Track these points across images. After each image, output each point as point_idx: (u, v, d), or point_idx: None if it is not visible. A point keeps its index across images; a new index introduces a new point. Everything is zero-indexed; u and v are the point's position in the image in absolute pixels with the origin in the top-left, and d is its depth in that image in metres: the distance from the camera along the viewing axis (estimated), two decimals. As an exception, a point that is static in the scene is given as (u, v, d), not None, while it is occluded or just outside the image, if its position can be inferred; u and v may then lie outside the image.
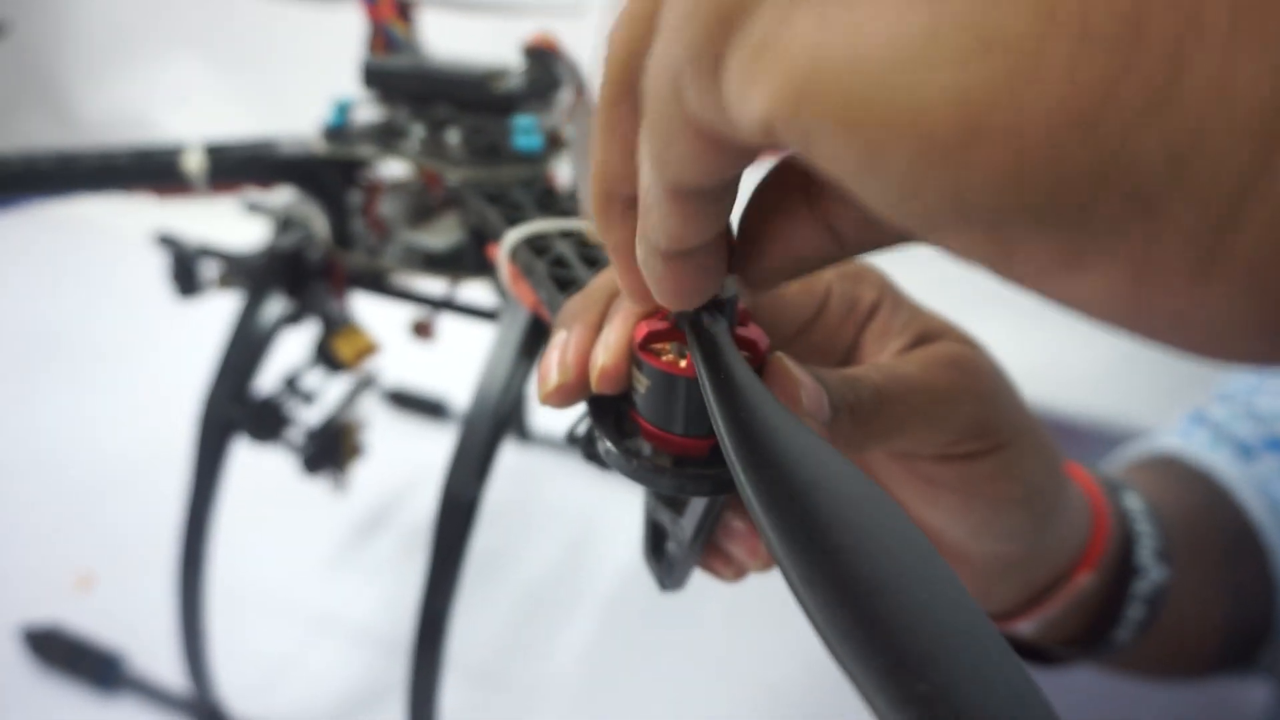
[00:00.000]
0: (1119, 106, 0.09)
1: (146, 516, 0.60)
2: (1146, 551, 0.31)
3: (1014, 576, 0.27)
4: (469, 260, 0.44)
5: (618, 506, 0.71)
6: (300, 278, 0.46)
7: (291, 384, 0.48)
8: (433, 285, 0.46)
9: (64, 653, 0.54)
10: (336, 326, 0.47)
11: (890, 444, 0.21)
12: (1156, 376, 0.91)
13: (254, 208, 0.47)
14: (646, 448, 0.20)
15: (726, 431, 0.16)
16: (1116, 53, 0.09)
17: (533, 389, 0.22)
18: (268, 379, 0.47)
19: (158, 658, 0.54)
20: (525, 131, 0.41)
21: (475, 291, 0.48)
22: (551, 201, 0.38)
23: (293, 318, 0.46)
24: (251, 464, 0.52)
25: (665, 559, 0.26)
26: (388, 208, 0.46)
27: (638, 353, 0.19)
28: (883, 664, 0.11)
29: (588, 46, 0.27)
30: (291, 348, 0.49)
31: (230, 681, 0.52)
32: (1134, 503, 0.32)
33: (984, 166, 0.10)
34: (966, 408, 0.22)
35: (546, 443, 0.78)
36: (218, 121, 1.20)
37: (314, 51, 0.96)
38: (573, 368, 0.20)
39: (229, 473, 0.47)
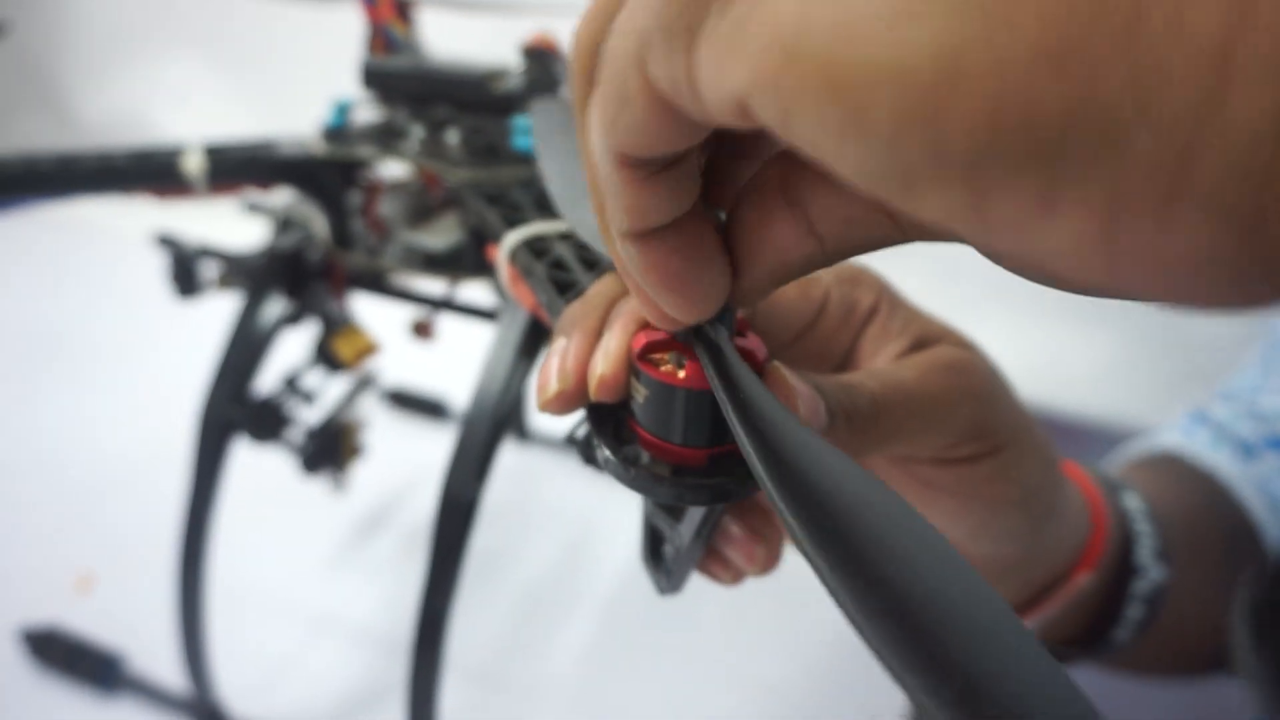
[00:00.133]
0: (1086, 47, 0.09)
1: (146, 517, 0.60)
2: (1146, 551, 0.31)
3: (1013, 577, 0.27)
4: (468, 260, 0.44)
5: (617, 507, 0.71)
6: (300, 278, 0.46)
7: (291, 384, 0.48)
8: (432, 285, 0.46)
9: (63, 653, 0.54)
10: (336, 327, 0.47)
11: (888, 449, 0.21)
12: (1155, 375, 0.91)
13: (253, 208, 0.47)
14: (645, 456, 0.20)
15: (749, 441, 0.15)
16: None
17: (532, 391, 0.22)
18: (267, 379, 0.47)
19: (157, 658, 0.54)
20: (525, 132, 0.41)
21: (475, 292, 0.48)
22: (550, 202, 0.38)
23: (292, 318, 0.46)
24: (251, 464, 0.52)
25: (663, 563, 0.26)
26: (387, 208, 0.46)
27: (636, 363, 0.19)
28: (925, 660, 0.11)
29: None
30: (291, 348, 0.49)
31: (230, 681, 0.52)
32: (1133, 502, 0.32)
33: (964, 111, 0.10)
34: (963, 412, 0.22)
35: (546, 443, 0.78)
36: (217, 122, 1.20)
37: (313, 52, 0.96)
38: (572, 375, 0.20)
39: (229, 473, 0.47)
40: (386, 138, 0.43)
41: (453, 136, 0.42)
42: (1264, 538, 0.38)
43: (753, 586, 0.26)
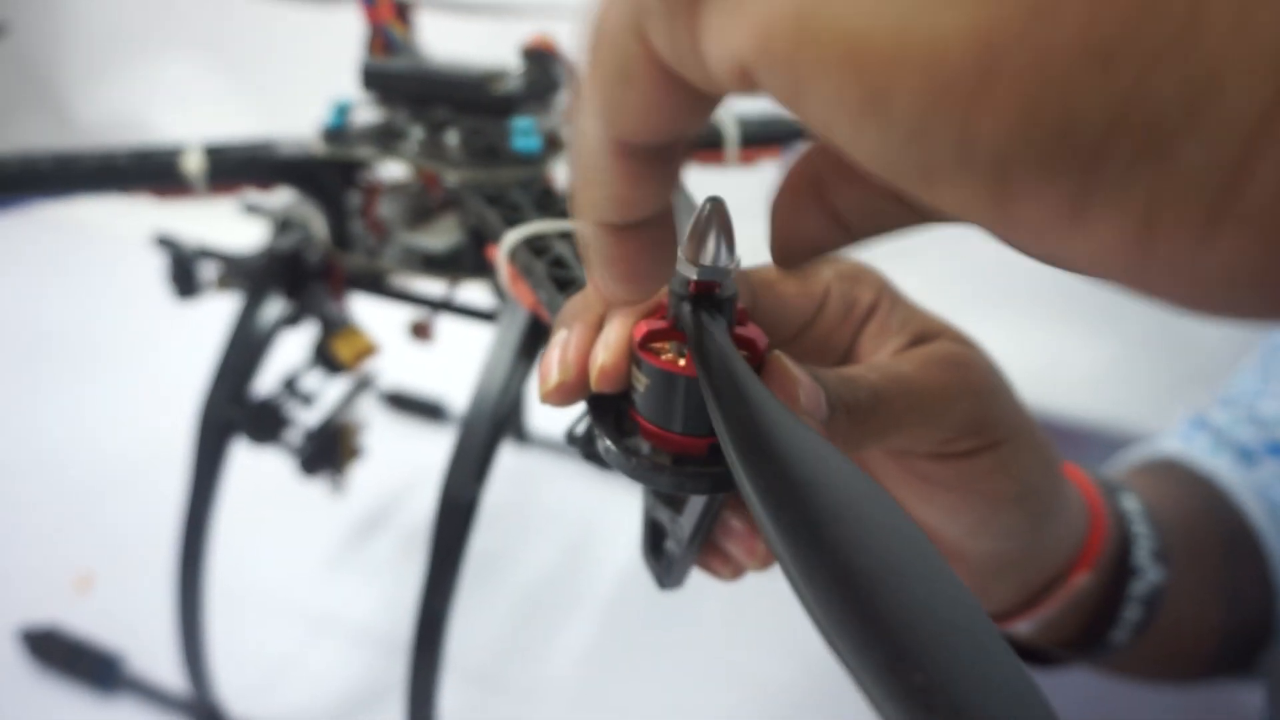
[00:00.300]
0: (1138, 43, 0.09)
1: (146, 517, 0.60)
2: (1143, 553, 0.31)
3: (1011, 576, 0.27)
4: (468, 261, 0.44)
5: (616, 508, 0.71)
6: (299, 279, 0.46)
7: (290, 385, 0.48)
8: (431, 286, 0.46)
9: (62, 653, 0.54)
10: (335, 328, 0.47)
11: (887, 442, 0.21)
12: (1156, 380, 0.91)
13: (253, 209, 0.47)
14: (646, 446, 0.20)
15: (725, 428, 0.16)
16: None
17: (532, 390, 0.22)
18: (266, 380, 0.47)
19: (157, 658, 0.54)
20: (524, 133, 0.41)
21: (474, 293, 0.48)
22: (550, 202, 0.38)
23: (291, 319, 0.46)
24: (250, 465, 0.52)
25: (664, 557, 0.26)
26: (387, 209, 0.46)
27: (637, 351, 0.19)
28: (880, 656, 0.11)
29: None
30: (290, 349, 0.49)
31: (229, 682, 0.52)
32: (1131, 504, 0.32)
33: (996, 106, 0.09)
34: (962, 405, 0.22)
35: (545, 444, 0.78)
36: (217, 123, 1.20)
37: (313, 53, 0.96)
38: (573, 366, 0.20)
39: (228, 474, 0.47)
40: (386, 139, 0.43)
41: (452, 137, 0.42)
42: (1264, 543, 0.38)
43: (752, 585, 0.26)
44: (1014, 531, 0.25)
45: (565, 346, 0.21)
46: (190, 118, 1.26)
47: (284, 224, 0.46)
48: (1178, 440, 0.43)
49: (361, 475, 0.56)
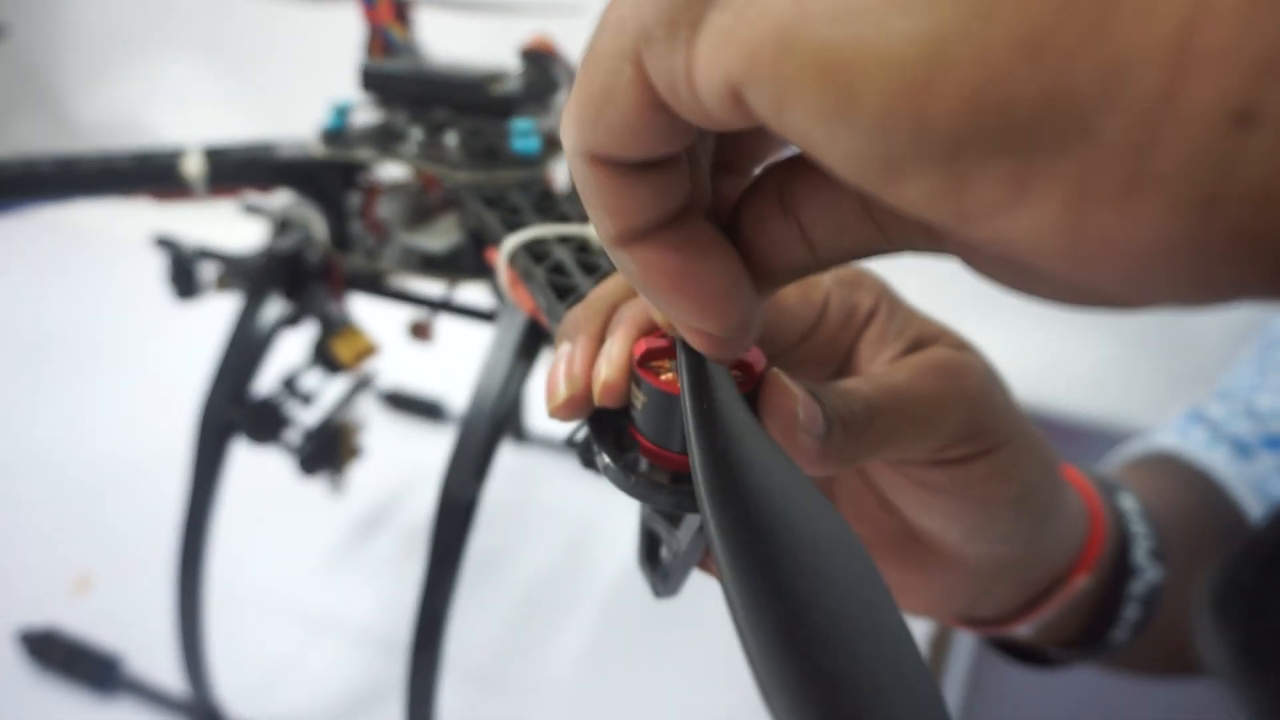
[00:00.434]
0: (1058, 37, 0.10)
1: (145, 517, 0.60)
2: (1142, 552, 0.31)
3: (1010, 579, 0.27)
4: (467, 262, 0.44)
5: (616, 508, 0.71)
6: (299, 279, 0.46)
7: (290, 385, 0.48)
8: (431, 287, 0.46)
9: (61, 655, 0.54)
10: (335, 328, 0.47)
11: (883, 454, 0.21)
12: (1153, 376, 0.91)
13: (252, 210, 0.47)
14: (644, 463, 0.20)
15: (699, 456, 0.16)
16: None
17: (532, 390, 0.22)
18: (266, 380, 0.47)
19: (156, 659, 0.54)
20: (523, 134, 0.41)
21: (473, 293, 0.48)
22: (549, 204, 0.38)
23: (291, 319, 0.46)
24: (250, 465, 0.52)
25: (660, 567, 0.26)
26: (386, 210, 0.46)
27: (636, 369, 0.19)
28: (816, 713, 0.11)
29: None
30: (290, 349, 0.49)
31: (229, 682, 0.52)
32: (1129, 503, 0.32)
33: (947, 97, 0.11)
34: (956, 413, 0.22)
35: (544, 444, 0.78)
36: (216, 124, 1.20)
37: (312, 55, 0.96)
38: (580, 379, 0.20)
39: (228, 474, 0.47)
40: (385, 140, 0.43)
41: (451, 139, 0.42)
42: None
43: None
44: (1012, 534, 0.25)
45: (570, 360, 0.21)
46: (189, 119, 1.26)
47: (284, 225, 0.46)
48: (1174, 434, 0.44)
49: (361, 475, 0.56)
